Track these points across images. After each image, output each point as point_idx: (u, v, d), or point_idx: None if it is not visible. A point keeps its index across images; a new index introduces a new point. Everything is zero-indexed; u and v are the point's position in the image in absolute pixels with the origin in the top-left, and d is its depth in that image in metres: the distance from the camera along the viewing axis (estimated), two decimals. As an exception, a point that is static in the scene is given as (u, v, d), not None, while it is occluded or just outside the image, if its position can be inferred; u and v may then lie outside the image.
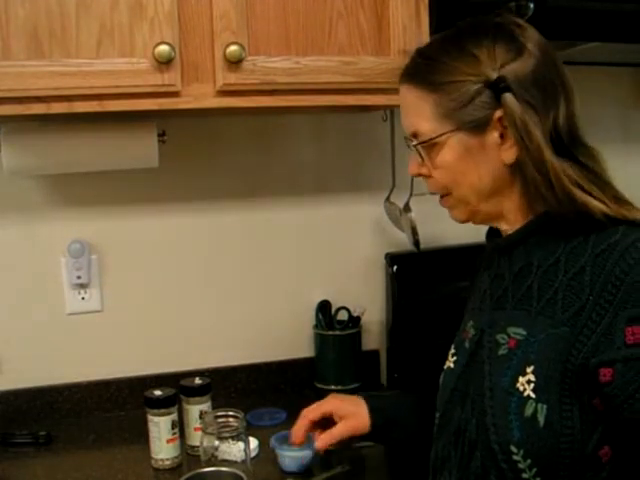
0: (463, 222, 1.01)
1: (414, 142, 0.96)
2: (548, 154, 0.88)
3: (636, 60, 1.77)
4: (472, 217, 0.99)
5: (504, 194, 0.95)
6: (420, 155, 0.96)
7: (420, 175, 0.99)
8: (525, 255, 0.95)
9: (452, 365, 1.03)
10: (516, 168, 0.91)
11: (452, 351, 1.05)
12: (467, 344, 1.00)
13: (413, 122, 0.96)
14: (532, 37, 0.92)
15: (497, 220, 0.98)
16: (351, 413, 1.10)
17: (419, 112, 0.95)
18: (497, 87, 0.89)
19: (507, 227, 0.97)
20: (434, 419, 1.05)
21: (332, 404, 1.10)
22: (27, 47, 1.16)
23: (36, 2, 1.16)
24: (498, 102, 0.89)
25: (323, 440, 1.08)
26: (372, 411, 1.11)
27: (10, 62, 1.15)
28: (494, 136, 0.91)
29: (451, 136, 0.92)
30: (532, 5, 1.26)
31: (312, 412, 1.09)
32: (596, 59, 1.67)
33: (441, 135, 0.93)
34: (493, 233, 1.04)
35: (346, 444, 1.15)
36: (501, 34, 0.91)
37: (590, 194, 0.88)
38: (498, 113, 0.90)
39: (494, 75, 0.89)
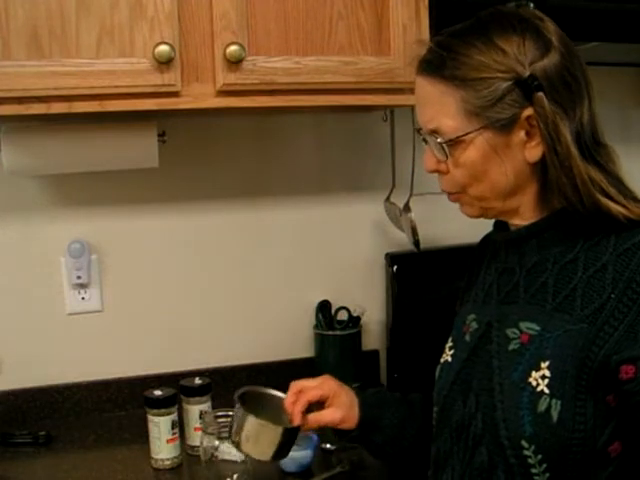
0: (475, 218, 0.98)
1: (439, 140, 0.91)
2: (575, 157, 0.87)
3: (636, 60, 1.77)
4: (485, 213, 0.97)
5: (522, 191, 0.93)
6: (443, 152, 0.92)
7: (437, 172, 0.95)
8: (538, 250, 0.94)
9: (450, 359, 1.02)
10: (537, 166, 0.91)
11: (449, 344, 1.04)
12: (468, 338, 1.00)
13: (435, 118, 0.91)
14: (554, 31, 0.91)
15: (510, 215, 0.97)
16: (344, 404, 1.07)
17: (442, 108, 0.90)
18: (528, 86, 0.87)
19: (520, 222, 0.96)
20: (421, 424, 1.06)
21: (331, 388, 1.06)
22: (27, 47, 1.16)
23: (36, 2, 1.16)
24: (527, 100, 0.87)
25: (310, 423, 1.04)
26: (361, 409, 1.08)
27: (10, 62, 1.15)
28: (520, 135, 0.89)
29: (478, 135, 0.89)
30: (532, 5, 1.26)
31: (312, 392, 1.04)
32: (596, 59, 1.66)
33: (468, 134, 0.89)
34: (501, 225, 1.02)
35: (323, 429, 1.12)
36: (528, 29, 0.89)
37: (612, 199, 0.88)
38: (527, 112, 0.88)
39: (525, 72, 0.87)
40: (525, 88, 0.87)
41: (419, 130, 0.96)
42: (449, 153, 0.92)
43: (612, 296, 0.85)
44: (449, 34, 0.94)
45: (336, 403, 1.06)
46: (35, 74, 1.16)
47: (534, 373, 0.87)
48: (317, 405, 1.05)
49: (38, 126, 1.41)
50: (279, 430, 1.00)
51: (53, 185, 1.56)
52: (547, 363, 0.86)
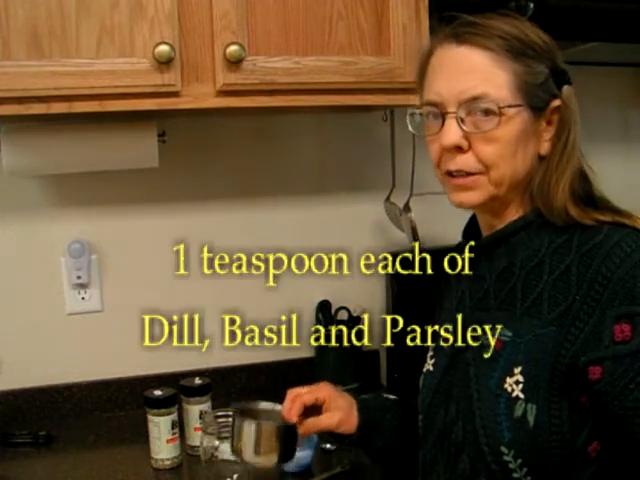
0: (472, 206, 0.95)
1: (481, 104, 0.88)
2: (576, 160, 0.91)
3: (636, 60, 1.77)
4: (488, 202, 0.93)
5: (521, 186, 0.93)
6: (478, 123, 0.89)
7: (457, 147, 0.90)
8: (506, 255, 0.94)
9: (431, 368, 1.03)
10: (537, 163, 0.93)
11: (430, 353, 1.05)
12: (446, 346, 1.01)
13: (481, 85, 0.88)
14: None
15: (501, 211, 0.96)
16: (342, 408, 1.06)
17: (491, 77, 0.89)
18: (561, 77, 0.91)
19: (500, 223, 0.96)
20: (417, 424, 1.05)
21: (327, 392, 1.06)
22: (27, 47, 1.16)
23: (36, 2, 1.16)
24: (557, 91, 0.91)
25: (308, 427, 1.03)
26: (360, 412, 1.08)
27: (10, 62, 1.15)
28: (543, 125, 0.92)
29: (521, 111, 0.89)
30: (532, 5, 1.26)
31: (307, 395, 1.04)
32: (596, 59, 1.66)
33: (515, 106, 0.88)
34: (470, 234, 1.03)
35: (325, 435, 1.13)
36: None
37: (585, 212, 0.90)
38: (556, 102, 0.91)
39: (561, 64, 0.91)
40: (558, 79, 0.90)
41: (434, 104, 0.92)
42: (484, 124, 0.89)
43: (577, 297, 0.85)
44: (481, 19, 0.92)
45: (333, 407, 1.06)
46: (35, 74, 1.16)
47: (508, 379, 0.88)
48: (315, 412, 1.05)
49: (38, 126, 1.41)
50: (275, 428, 1.01)
51: (53, 185, 1.56)
52: (520, 368, 0.87)
